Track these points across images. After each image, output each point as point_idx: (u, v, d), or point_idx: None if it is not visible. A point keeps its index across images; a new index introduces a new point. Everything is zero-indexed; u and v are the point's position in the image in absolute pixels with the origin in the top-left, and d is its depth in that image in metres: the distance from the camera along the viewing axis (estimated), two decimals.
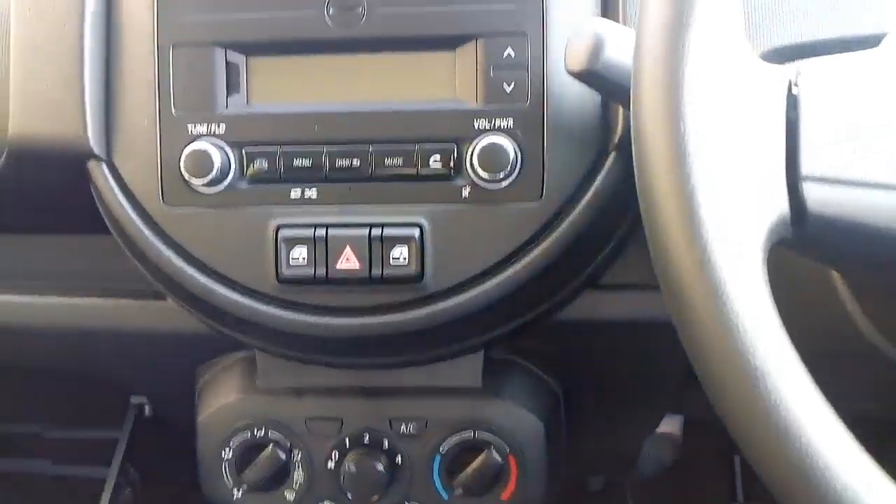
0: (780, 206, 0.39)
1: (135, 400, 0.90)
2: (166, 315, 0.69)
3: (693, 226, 0.36)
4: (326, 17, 0.59)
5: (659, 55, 0.38)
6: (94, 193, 0.63)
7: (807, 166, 0.39)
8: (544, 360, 0.71)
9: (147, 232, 0.61)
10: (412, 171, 0.59)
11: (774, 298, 0.37)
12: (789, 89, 0.41)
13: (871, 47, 0.46)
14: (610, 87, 0.51)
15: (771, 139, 0.39)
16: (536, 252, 0.59)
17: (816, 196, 0.39)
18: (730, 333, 0.35)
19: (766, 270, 0.38)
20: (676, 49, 0.37)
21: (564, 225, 0.59)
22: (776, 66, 0.42)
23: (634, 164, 0.39)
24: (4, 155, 0.63)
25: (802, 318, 0.57)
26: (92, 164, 0.62)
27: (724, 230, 0.36)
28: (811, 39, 0.57)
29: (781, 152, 0.39)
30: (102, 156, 0.61)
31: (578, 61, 0.49)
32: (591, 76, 0.50)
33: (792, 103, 0.40)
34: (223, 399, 0.70)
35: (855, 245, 0.42)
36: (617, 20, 0.58)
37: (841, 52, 0.47)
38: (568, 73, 0.52)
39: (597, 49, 0.49)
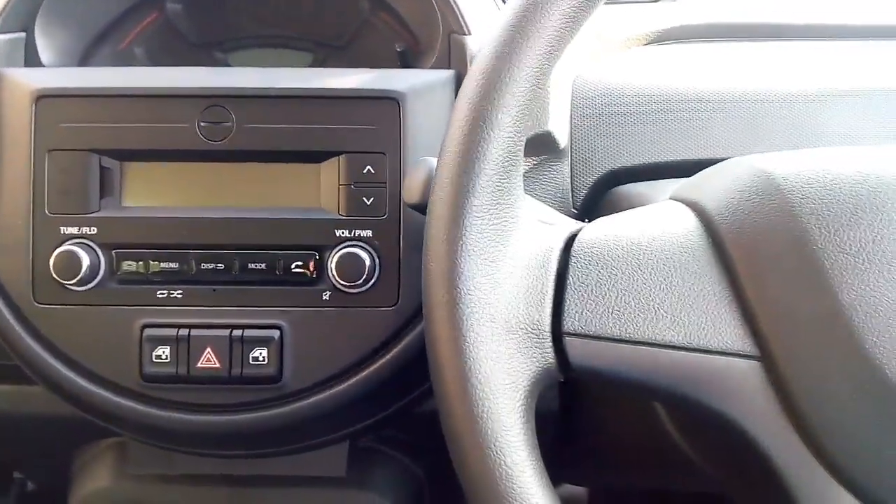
0: (546, 356, 0.43)
1: (17, 475, 0.91)
2: (41, 400, 0.70)
3: (465, 378, 0.40)
4: (197, 130, 0.63)
5: (445, 217, 0.42)
6: None
7: (569, 321, 0.43)
8: (409, 449, 0.74)
9: (17, 327, 0.63)
10: (275, 275, 0.62)
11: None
12: (565, 248, 0.45)
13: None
14: None
15: (542, 294, 0.43)
16: (392, 353, 0.63)
17: (578, 349, 0.43)
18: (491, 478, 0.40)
19: (530, 410, 0.42)
20: (460, 209, 0.42)
21: (419, 328, 0.63)
22: (553, 226, 0.46)
23: (423, 311, 0.43)
24: None
25: (628, 422, 0.62)
26: None
27: (492, 380, 0.40)
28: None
29: (549, 306, 0.43)
30: None
31: (412, 195, 0.54)
32: (424, 208, 0.54)
33: (563, 261, 0.45)
34: (96, 483, 0.71)
35: (623, 390, 0.46)
36: None
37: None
38: (405, 204, 0.56)
39: (429, 184, 0.54)
